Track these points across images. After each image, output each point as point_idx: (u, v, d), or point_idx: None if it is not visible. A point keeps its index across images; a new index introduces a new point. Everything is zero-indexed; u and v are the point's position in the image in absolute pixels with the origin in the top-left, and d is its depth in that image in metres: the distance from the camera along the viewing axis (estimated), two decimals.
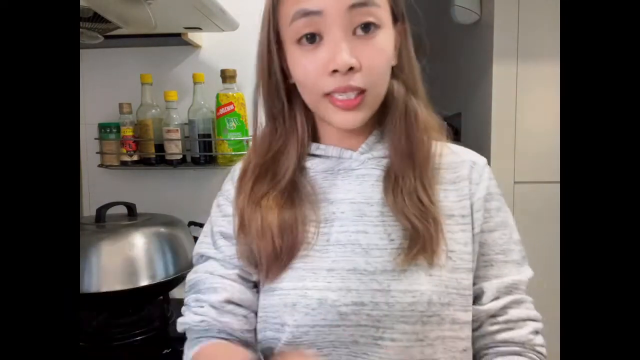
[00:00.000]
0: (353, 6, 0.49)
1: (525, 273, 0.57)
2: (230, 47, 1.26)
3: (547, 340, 0.57)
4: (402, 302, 0.50)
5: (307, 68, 0.51)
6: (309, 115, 0.59)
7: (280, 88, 0.56)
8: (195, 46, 1.26)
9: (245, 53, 1.28)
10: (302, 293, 0.52)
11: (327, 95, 0.52)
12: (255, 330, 0.57)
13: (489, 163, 0.61)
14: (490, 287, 0.55)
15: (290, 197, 0.55)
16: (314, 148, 0.59)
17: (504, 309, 0.55)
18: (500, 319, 0.55)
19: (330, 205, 0.55)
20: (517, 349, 0.54)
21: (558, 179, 1.63)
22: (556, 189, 1.62)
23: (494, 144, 1.65)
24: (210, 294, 0.57)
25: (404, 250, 0.52)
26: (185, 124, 1.23)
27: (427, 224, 0.52)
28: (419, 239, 0.52)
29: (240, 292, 0.57)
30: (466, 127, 1.84)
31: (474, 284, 0.55)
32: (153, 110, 1.22)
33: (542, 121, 1.62)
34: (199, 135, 1.20)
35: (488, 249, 0.56)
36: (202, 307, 0.57)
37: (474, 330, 0.55)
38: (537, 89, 1.62)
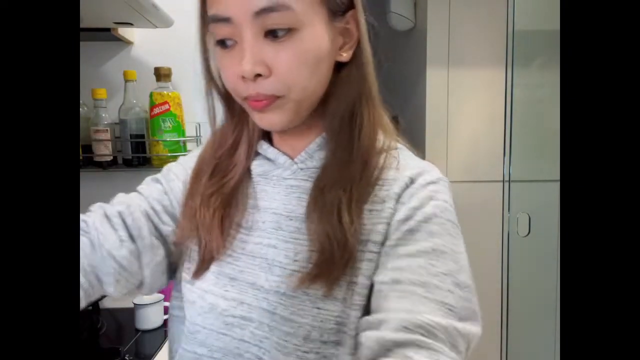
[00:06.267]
0: (260, 12, 0.45)
1: (460, 326, 0.42)
2: (165, 45, 1.21)
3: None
4: (280, 330, 0.47)
5: (225, 71, 0.50)
6: None
7: (219, 85, 0.54)
8: (126, 42, 1.20)
9: (180, 51, 1.25)
10: (201, 294, 0.52)
11: (245, 98, 0.50)
12: (120, 273, 0.52)
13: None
14: (396, 317, 0.43)
15: (234, 199, 0.55)
16: (259, 146, 0.57)
17: (402, 346, 0.41)
18: (392, 355, 0.41)
19: (257, 212, 0.54)
20: None
21: (488, 178, 1.74)
22: (486, 187, 1.72)
23: (428, 145, 1.72)
24: (111, 205, 0.55)
25: (302, 273, 0.48)
26: (116, 123, 1.16)
27: (338, 247, 0.46)
28: (324, 263, 0.46)
29: (139, 222, 0.54)
30: (402, 130, 1.90)
31: (373, 312, 0.46)
32: (80, 109, 1.15)
33: (471, 124, 1.72)
34: (131, 135, 1.15)
35: (402, 275, 0.45)
36: (93, 211, 0.54)
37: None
38: (466, 93, 1.71)
